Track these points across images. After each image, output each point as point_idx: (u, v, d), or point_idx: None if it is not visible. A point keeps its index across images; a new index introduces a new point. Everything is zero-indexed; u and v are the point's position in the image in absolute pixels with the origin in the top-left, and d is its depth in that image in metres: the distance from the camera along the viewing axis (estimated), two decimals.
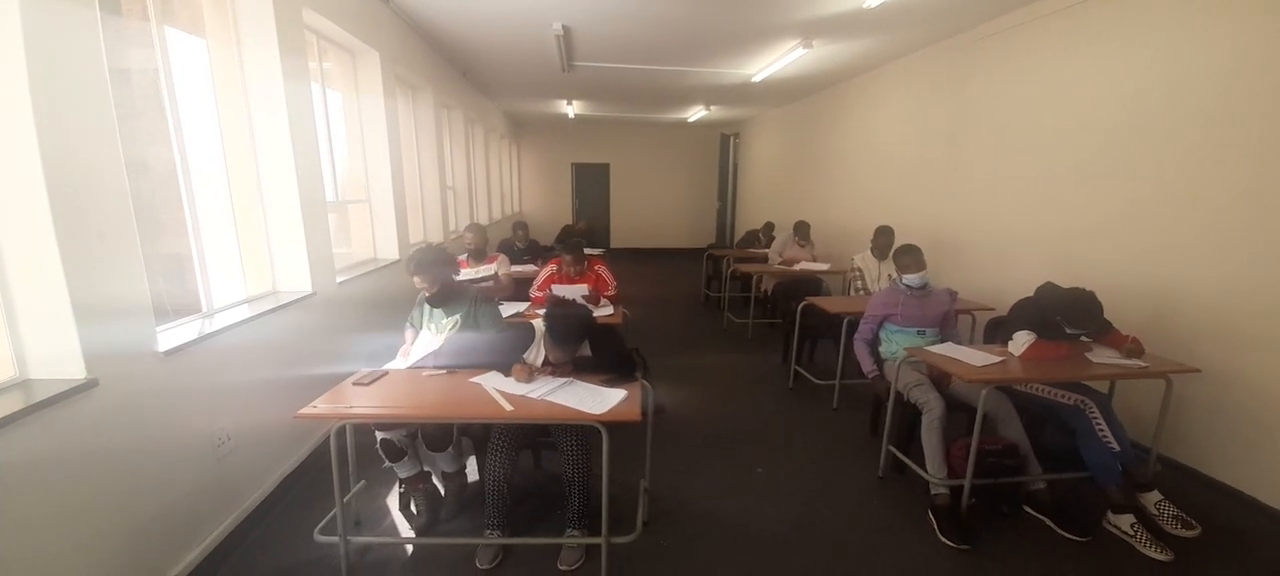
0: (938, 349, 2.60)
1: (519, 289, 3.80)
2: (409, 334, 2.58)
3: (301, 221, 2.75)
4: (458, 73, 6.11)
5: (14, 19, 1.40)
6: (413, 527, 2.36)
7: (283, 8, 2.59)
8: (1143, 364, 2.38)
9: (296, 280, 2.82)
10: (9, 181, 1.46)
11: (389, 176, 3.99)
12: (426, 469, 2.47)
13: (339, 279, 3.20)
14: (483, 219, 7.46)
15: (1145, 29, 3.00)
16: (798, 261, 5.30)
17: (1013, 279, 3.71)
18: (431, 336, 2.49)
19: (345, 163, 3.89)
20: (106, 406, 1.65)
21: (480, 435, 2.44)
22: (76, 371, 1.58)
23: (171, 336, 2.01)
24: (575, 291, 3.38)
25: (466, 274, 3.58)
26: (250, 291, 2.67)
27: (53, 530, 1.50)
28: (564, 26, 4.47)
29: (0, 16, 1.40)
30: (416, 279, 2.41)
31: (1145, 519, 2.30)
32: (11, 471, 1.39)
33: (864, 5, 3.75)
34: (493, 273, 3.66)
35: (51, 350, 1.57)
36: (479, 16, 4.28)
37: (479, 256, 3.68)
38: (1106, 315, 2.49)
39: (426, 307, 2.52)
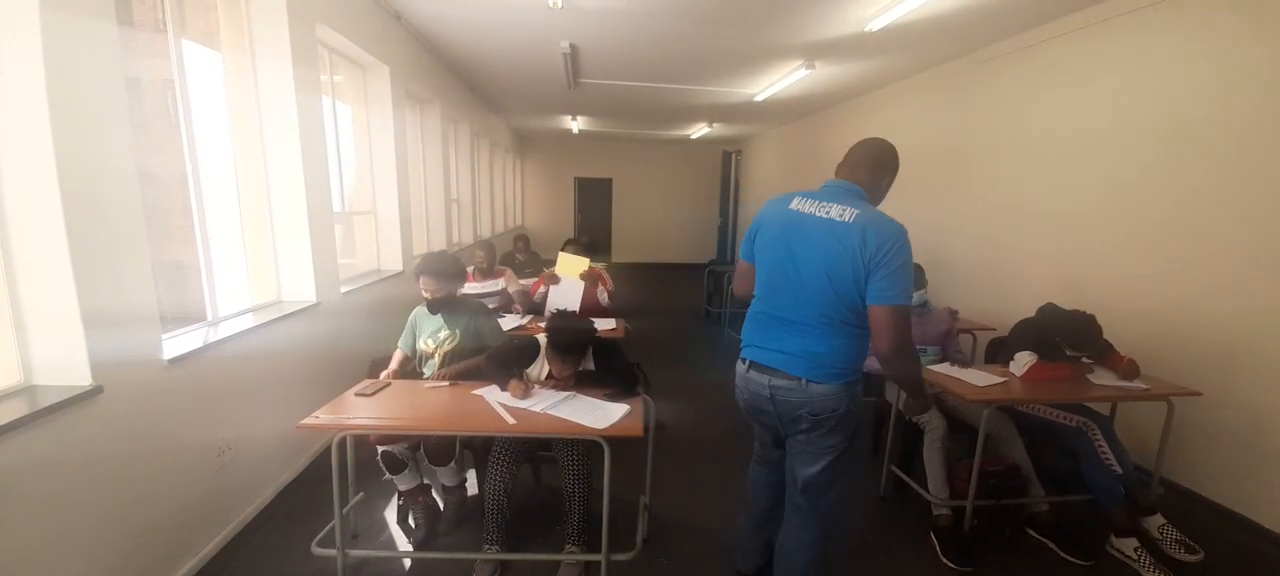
0: (939, 368, 2.61)
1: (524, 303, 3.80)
2: (397, 356, 2.48)
3: (308, 231, 2.77)
4: (466, 88, 6.19)
5: (34, 30, 1.43)
6: (411, 541, 2.34)
7: (297, 23, 2.64)
8: (1142, 385, 2.39)
9: (301, 290, 2.83)
10: (24, 186, 1.49)
11: (395, 188, 4.03)
12: (426, 482, 2.46)
13: (343, 289, 3.21)
14: (485, 231, 7.50)
15: (1144, 55, 3.04)
16: None
17: (1013, 300, 3.72)
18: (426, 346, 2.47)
19: (352, 174, 3.93)
20: (111, 414, 1.65)
21: (481, 448, 2.43)
22: (82, 378, 1.59)
23: (177, 344, 2.02)
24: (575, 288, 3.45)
25: (473, 287, 3.59)
26: (255, 300, 2.69)
27: (52, 535, 1.49)
28: (571, 44, 4.54)
29: (21, 26, 1.43)
30: (424, 280, 2.35)
31: (1149, 543, 2.28)
32: (14, 476, 1.39)
33: (866, 29, 3.82)
34: (500, 288, 3.67)
35: (58, 356, 1.58)
36: (489, 34, 4.35)
37: (488, 272, 3.70)
38: (1108, 337, 2.51)
39: (424, 316, 2.50)
